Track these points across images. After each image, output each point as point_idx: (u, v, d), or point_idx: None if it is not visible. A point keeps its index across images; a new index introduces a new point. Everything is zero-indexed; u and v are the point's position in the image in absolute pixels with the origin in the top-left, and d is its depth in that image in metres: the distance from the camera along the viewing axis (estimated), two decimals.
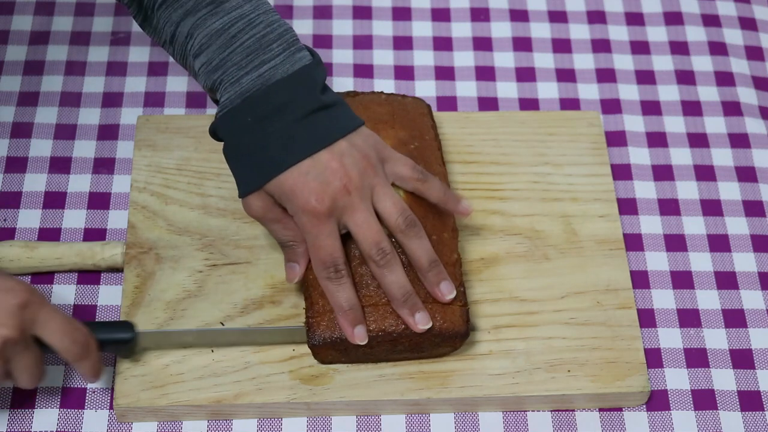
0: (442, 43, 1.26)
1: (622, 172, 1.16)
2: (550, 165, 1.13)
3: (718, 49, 1.27)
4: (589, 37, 1.27)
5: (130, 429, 0.99)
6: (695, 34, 1.28)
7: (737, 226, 1.13)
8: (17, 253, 1.05)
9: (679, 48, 1.27)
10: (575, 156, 1.14)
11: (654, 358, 1.05)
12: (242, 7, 0.96)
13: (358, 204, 0.94)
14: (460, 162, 1.13)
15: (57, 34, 1.24)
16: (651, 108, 1.22)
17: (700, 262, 1.11)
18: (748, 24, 1.29)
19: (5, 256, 1.05)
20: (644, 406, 1.02)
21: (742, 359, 1.05)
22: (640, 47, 1.27)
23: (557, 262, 1.07)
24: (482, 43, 1.26)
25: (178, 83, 1.21)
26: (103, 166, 1.14)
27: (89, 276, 1.07)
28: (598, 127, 1.16)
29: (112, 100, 1.19)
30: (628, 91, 1.23)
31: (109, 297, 1.06)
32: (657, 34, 1.28)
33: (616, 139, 1.19)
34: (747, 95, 1.23)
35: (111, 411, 1.00)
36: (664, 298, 1.08)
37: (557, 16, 1.29)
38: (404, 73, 1.23)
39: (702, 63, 1.26)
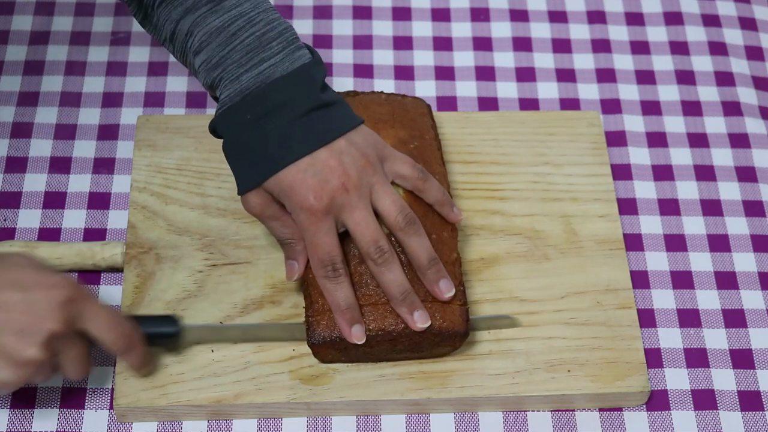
0: (442, 43, 1.26)
1: (622, 172, 1.16)
2: (550, 165, 1.13)
3: (718, 49, 1.27)
4: (589, 37, 1.27)
5: (130, 429, 0.99)
6: (695, 34, 1.28)
7: (737, 226, 1.13)
8: (17, 253, 1.05)
9: (679, 48, 1.27)
10: (575, 156, 1.14)
11: (654, 358, 1.05)
12: (242, 5, 0.96)
13: (357, 202, 0.94)
14: (460, 162, 1.13)
15: (57, 34, 1.24)
16: (651, 108, 1.22)
17: (700, 262, 1.11)
18: (748, 24, 1.29)
19: None
20: (644, 406, 1.02)
21: (742, 359, 1.05)
22: (640, 47, 1.27)
23: (557, 262, 1.07)
24: (482, 43, 1.26)
25: (178, 83, 1.21)
26: (103, 166, 1.14)
27: (89, 276, 1.07)
28: (598, 127, 1.16)
29: (112, 100, 1.19)
30: (628, 91, 1.23)
31: (109, 297, 1.06)
32: (657, 34, 1.28)
33: (616, 139, 1.19)
34: (747, 95, 1.23)
35: (111, 411, 1.00)
36: (664, 298, 1.08)
37: (557, 16, 1.29)
38: (404, 73, 1.23)
39: (702, 63, 1.26)
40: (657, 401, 1.02)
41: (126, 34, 1.24)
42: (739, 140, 1.20)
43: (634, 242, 1.12)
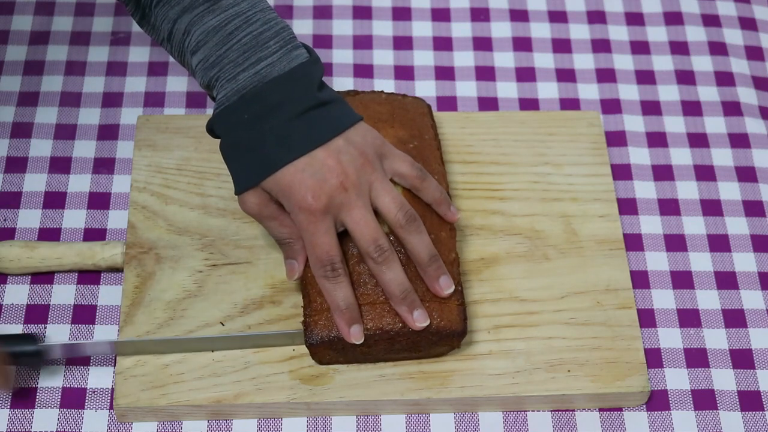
0: (442, 43, 1.26)
1: (622, 172, 1.16)
2: (550, 165, 1.13)
3: (718, 49, 1.27)
4: (589, 37, 1.27)
5: (130, 429, 0.99)
6: (695, 34, 1.28)
7: (737, 226, 1.13)
8: (17, 253, 1.05)
9: (679, 48, 1.27)
10: (575, 156, 1.14)
11: (654, 358, 1.05)
12: (239, 5, 0.96)
13: (355, 201, 0.94)
14: (460, 162, 1.13)
15: (57, 34, 1.24)
16: (651, 108, 1.22)
17: (700, 262, 1.11)
18: (748, 24, 1.29)
19: (5, 256, 1.05)
20: (644, 406, 1.02)
21: (742, 359, 1.05)
22: (640, 47, 1.27)
23: (557, 262, 1.07)
24: (482, 43, 1.26)
25: (178, 83, 1.21)
26: (103, 166, 1.14)
27: (89, 276, 1.07)
28: (598, 127, 1.16)
29: (112, 100, 1.19)
30: (628, 91, 1.23)
31: (109, 297, 1.06)
32: (657, 34, 1.28)
33: (616, 139, 1.19)
34: (747, 95, 1.23)
35: (111, 411, 1.00)
36: (664, 298, 1.08)
37: (557, 16, 1.29)
38: (404, 73, 1.23)
39: (702, 63, 1.26)
40: (657, 401, 1.02)
41: (126, 34, 1.24)
42: (739, 140, 1.20)
43: (634, 242, 1.12)
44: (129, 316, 1.02)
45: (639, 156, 1.18)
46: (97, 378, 1.01)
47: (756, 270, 1.11)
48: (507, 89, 1.23)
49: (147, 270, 1.05)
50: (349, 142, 0.95)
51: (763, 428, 1.02)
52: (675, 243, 1.12)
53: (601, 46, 1.26)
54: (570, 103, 1.22)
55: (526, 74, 1.24)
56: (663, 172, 1.17)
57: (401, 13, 1.28)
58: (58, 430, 0.99)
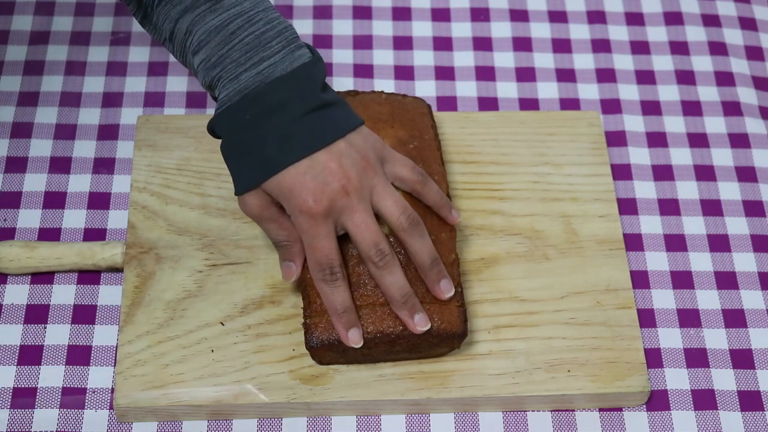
0: (442, 43, 1.26)
1: (622, 172, 1.16)
2: (550, 165, 1.13)
3: (718, 49, 1.27)
4: (589, 37, 1.27)
5: (130, 429, 0.99)
6: (695, 34, 1.28)
7: (737, 226, 1.13)
8: (17, 253, 1.05)
9: (679, 48, 1.27)
10: (575, 156, 1.14)
11: (654, 358, 1.05)
12: (241, 4, 0.96)
13: (357, 205, 0.94)
14: (460, 162, 1.13)
15: (57, 34, 1.24)
16: (651, 108, 1.22)
17: (700, 262, 1.11)
18: (748, 24, 1.29)
19: (5, 256, 1.05)
20: (644, 406, 1.02)
21: (742, 359, 1.05)
22: (640, 47, 1.27)
23: (557, 262, 1.07)
24: (482, 43, 1.26)
25: (178, 83, 1.21)
26: (103, 166, 1.14)
27: (89, 276, 1.07)
28: (598, 127, 1.16)
29: (112, 100, 1.19)
30: (628, 91, 1.23)
31: (109, 297, 1.06)
32: (657, 34, 1.28)
33: (616, 139, 1.19)
34: (747, 95, 1.23)
35: (111, 411, 1.00)
36: (664, 298, 1.08)
37: (557, 16, 1.29)
38: (404, 73, 1.23)
39: (702, 63, 1.26)
40: (657, 401, 1.02)
41: (126, 34, 1.24)
42: (739, 140, 1.20)
43: (634, 242, 1.12)
44: (129, 316, 1.02)
45: (639, 156, 1.18)
46: (97, 378, 1.01)
47: (756, 270, 1.11)
48: (507, 89, 1.23)
49: (147, 270, 1.05)
50: (351, 145, 0.95)
51: (763, 428, 1.02)
52: (675, 243, 1.12)
53: (601, 46, 1.26)
54: (570, 103, 1.22)
55: (526, 74, 1.24)
56: (663, 172, 1.17)
57: (401, 13, 1.28)
58: (58, 430, 0.99)
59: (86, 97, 1.19)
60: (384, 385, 1.00)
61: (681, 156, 1.18)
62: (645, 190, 1.15)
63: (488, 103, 1.21)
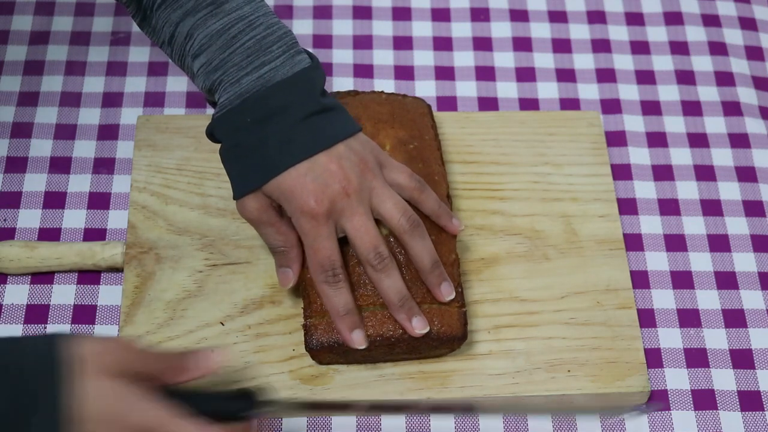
0: (442, 43, 1.26)
1: (622, 172, 1.16)
2: (550, 165, 1.13)
3: (718, 49, 1.27)
4: (589, 37, 1.27)
5: None
6: (695, 34, 1.28)
7: (737, 226, 1.13)
8: (17, 253, 1.05)
9: (679, 48, 1.27)
10: (575, 156, 1.14)
11: (654, 358, 1.05)
12: (242, 9, 0.96)
13: (357, 207, 0.94)
14: (460, 162, 1.13)
15: (57, 34, 1.24)
16: (651, 108, 1.22)
17: (700, 262, 1.11)
18: (748, 24, 1.29)
19: (5, 256, 1.05)
20: (644, 406, 1.02)
21: (742, 359, 1.05)
22: (640, 47, 1.27)
23: (557, 262, 1.07)
24: (482, 43, 1.26)
25: (178, 83, 1.21)
26: (103, 166, 1.14)
27: (89, 276, 1.07)
28: (598, 127, 1.16)
29: (112, 100, 1.19)
30: (628, 91, 1.23)
31: (109, 297, 1.06)
32: (657, 34, 1.28)
33: (616, 139, 1.19)
34: (747, 95, 1.23)
35: None
36: (664, 298, 1.08)
37: (557, 16, 1.29)
38: (404, 73, 1.23)
39: (702, 63, 1.26)
40: (657, 401, 1.02)
41: (126, 34, 1.24)
42: (739, 140, 1.20)
43: (634, 242, 1.12)
44: (129, 316, 1.02)
45: (639, 156, 1.18)
46: None
47: (756, 270, 1.11)
48: (507, 89, 1.23)
49: (147, 270, 1.05)
50: (350, 149, 0.95)
51: (763, 428, 1.02)
52: (675, 243, 1.12)
53: (601, 46, 1.26)
54: (570, 103, 1.22)
55: (526, 74, 1.24)
56: (663, 172, 1.17)
57: (401, 13, 1.28)
58: None
59: (86, 97, 1.19)
60: (384, 385, 1.00)
61: (681, 156, 1.18)
62: (645, 190, 1.15)
63: (488, 103, 1.21)
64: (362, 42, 1.26)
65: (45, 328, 1.04)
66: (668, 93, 1.23)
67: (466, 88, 1.22)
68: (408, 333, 0.96)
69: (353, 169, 0.94)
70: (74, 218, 1.11)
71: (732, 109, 1.22)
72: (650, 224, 1.13)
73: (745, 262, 1.11)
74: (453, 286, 0.98)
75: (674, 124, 1.21)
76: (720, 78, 1.24)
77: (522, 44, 1.26)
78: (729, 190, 1.16)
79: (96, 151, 1.15)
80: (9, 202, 1.11)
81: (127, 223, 1.08)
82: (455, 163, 1.12)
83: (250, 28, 0.95)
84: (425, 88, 1.22)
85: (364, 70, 1.23)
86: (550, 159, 1.14)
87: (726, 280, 1.10)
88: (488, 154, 1.14)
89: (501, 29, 1.27)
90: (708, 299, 1.09)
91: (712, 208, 1.15)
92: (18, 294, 1.06)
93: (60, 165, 1.14)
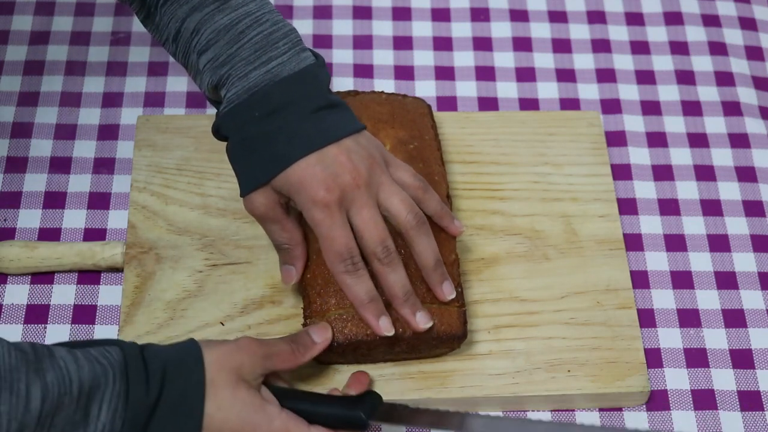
0: (442, 43, 1.26)
1: (622, 172, 1.16)
2: (550, 165, 1.13)
3: (718, 49, 1.27)
4: (589, 37, 1.27)
5: None
6: (695, 34, 1.28)
7: (737, 226, 1.13)
8: (17, 253, 1.05)
9: (679, 48, 1.27)
10: (575, 156, 1.14)
11: (654, 358, 1.05)
12: (248, 5, 0.96)
13: (366, 200, 0.94)
14: (460, 162, 1.13)
15: (57, 34, 1.24)
16: (651, 108, 1.22)
17: (700, 262, 1.11)
18: (748, 24, 1.29)
19: (5, 256, 1.05)
20: (644, 406, 1.02)
21: (742, 359, 1.05)
22: (640, 47, 1.27)
23: (557, 262, 1.07)
24: (482, 43, 1.26)
25: (178, 83, 1.21)
26: (103, 166, 1.14)
27: (89, 276, 1.07)
28: (598, 127, 1.16)
29: (112, 100, 1.19)
30: (628, 91, 1.23)
31: (109, 297, 1.06)
32: (657, 34, 1.28)
33: (616, 139, 1.19)
34: (747, 95, 1.23)
35: None
36: (664, 298, 1.08)
37: (557, 16, 1.29)
38: (404, 73, 1.23)
39: (702, 63, 1.26)
40: (657, 401, 1.02)
41: (126, 34, 1.24)
42: (739, 140, 1.20)
43: (634, 242, 1.12)
44: (129, 316, 1.02)
45: (639, 156, 1.18)
46: None
47: (756, 270, 1.11)
48: (507, 89, 1.23)
49: (147, 270, 1.05)
50: (358, 144, 0.95)
51: (763, 428, 1.02)
52: (675, 243, 1.12)
53: (601, 46, 1.26)
54: (570, 103, 1.22)
55: (526, 74, 1.24)
56: (663, 172, 1.17)
57: (401, 13, 1.28)
58: None
59: (86, 97, 1.19)
60: (384, 385, 1.00)
61: (681, 156, 1.18)
62: (645, 190, 1.15)
63: (488, 103, 1.21)
64: (362, 42, 1.26)
65: (45, 328, 1.04)
66: (668, 93, 1.23)
67: (466, 88, 1.22)
68: (410, 329, 0.96)
69: (362, 162, 0.94)
70: (74, 218, 1.11)
71: (732, 109, 1.22)
72: (650, 224, 1.13)
73: (745, 262, 1.11)
74: (454, 285, 0.98)
75: (674, 124, 1.21)
76: (720, 78, 1.24)
77: (522, 44, 1.26)
78: (729, 190, 1.16)
79: (96, 151, 1.15)
80: (9, 202, 1.11)
81: (127, 223, 1.08)
82: (455, 163, 1.12)
83: (257, 23, 0.96)
84: (425, 88, 1.22)
85: (364, 70, 1.23)
86: (550, 159, 1.14)
87: (726, 280, 1.10)
88: (488, 154, 1.14)
89: (501, 29, 1.27)
90: (708, 299, 1.09)
91: (712, 208, 1.15)
92: (18, 294, 1.06)
93: (60, 165, 1.14)
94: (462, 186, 1.11)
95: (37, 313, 1.05)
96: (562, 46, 1.26)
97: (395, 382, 1.00)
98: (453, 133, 1.15)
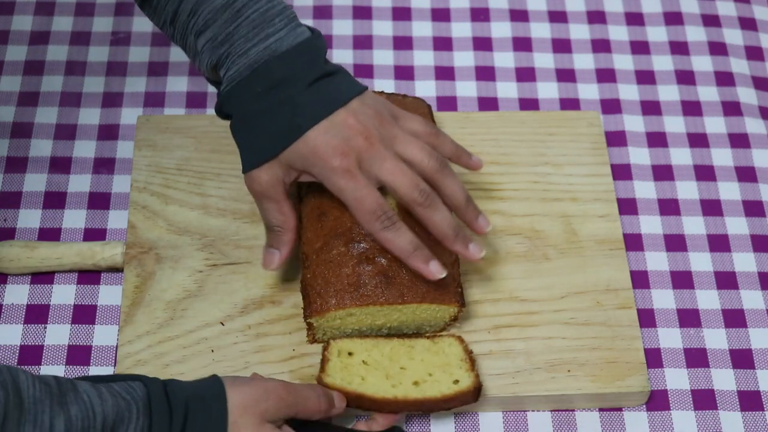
0: (442, 43, 1.26)
1: (622, 172, 1.16)
2: (550, 165, 1.13)
3: (718, 49, 1.27)
4: (589, 37, 1.27)
5: None
6: (695, 34, 1.28)
7: (737, 226, 1.13)
8: (17, 253, 1.05)
9: (679, 48, 1.27)
10: (575, 156, 1.14)
11: (654, 358, 1.05)
12: None
13: (384, 153, 0.95)
14: None
15: (57, 34, 1.24)
16: (651, 108, 1.22)
17: (700, 262, 1.11)
18: (748, 24, 1.29)
19: (5, 256, 1.05)
20: (644, 406, 1.02)
21: (742, 359, 1.05)
22: (640, 47, 1.27)
23: (557, 262, 1.07)
24: (482, 43, 1.26)
25: (178, 83, 1.21)
26: (103, 166, 1.14)
27: (89, 276, 1.07)
28: (598, 127, 1.16)
29: (112, 100, 1.19)
30: (628, 91, 1.23)
31: (109, 297, 1.06)
32: (657, 34, 1.28)
33: (616, 139, 1.19)
34: (747, 95, 1.23)
35: None
36: (664, 298, 1.08)
37: (557, 16, 1.29)
38: (404, 73, 1.23)
39: (702, 63, 1.26)
40: (657, 401, 1.02)
41: (126, 34, 1.24)
42: (739, 140, 1.20)
43: (634, 242, 1.12)
44: (129, 316, 1.02)
45: (639, 156, 1.18)
46: None
47: (756, 270, 1.11)
48: (507, 89, 1.23)
49: (147, 270, 1.05)
50: (364, 104, 0.96)
51: (763, 428, 1.02)
52: (675, 243, 1.12)
53: (601, 46, 1.26)
54: (570, 103, 1.22)
55: (526, 74, 1.24)
56: (663, 172, 1.17)
57: (401, 13, 1.28)
58: None
59: (86, 97, 1.19)
60: None
61: (681, 156, 1.18)
62: (645, 190, 1.15)
63: (488, 103, 1.21)
64: (362, 42, 1.26)
65: (45, 328, 1.04)
66: (668, 93, 1.23)
67: (466, 88, 1.22)
68: (468, 259, 0.97)
69: (371, 120, 0.95)
70: (74, 218, 1.11)
71: (732, 109, 1.22)
72: (650, 224, 1.13)
73: (745, 262, 1.11)
74: (487, 219, 0.99)
75: (674, 124, 1.21)
76: (720, 78, 1.24)
77: (522, 44, 1.26)
78: (729, 190, 1.16)
79: (96, 151, 1.15)
80: (9, 202, 1.11)
81: (127, 223, 1.08)
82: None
83: (253, 1, 0.96)
84: (425, 88, 1.22)
85: (364, 70, 1.23)
86: (550, 159, 1.14)
87: (726, 280, 1.10)
88: (488, 154, 1.14)
89: (501, 29, 1.27)
90: (708, 299, 1.09)
91: (712, 208, 1.15)
92: (18, 294, 1.06)
93: (60, 165, 1.14)
94: None
95: (37, 313, 1.05)
96: (562, 46, 1.26)
97: None
98: (453, 133, 1.14)
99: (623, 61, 1.25)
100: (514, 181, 1.12)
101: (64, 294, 1.06)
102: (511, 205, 1.10)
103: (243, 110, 0.96)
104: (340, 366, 0.96)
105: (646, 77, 1.24)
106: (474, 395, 0.96)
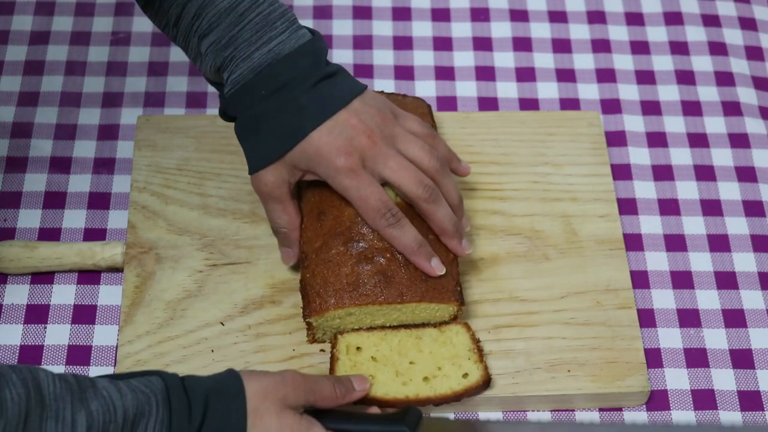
0: (442, 43, 1.26)
1: (622, 172, 1.16)
2: (550, 165, 1.13)
3: (718, 49, 1.27)
4: (589, 37, 1.27)
5: None
6: (695, 34, 1.28)
7: (737, 226, 1.13)
8: (17, 253, 1.05)
9: (679, 48, 1.27)
10: (575, 156, 1.14)
11: (654, 358, 1.05)
12: None
13: (387, 151, 0.97)
14: None
15: (57, 34, 1.24)
16: (651, 108, 1.22)
17: (700, 262, 1.11)
18: (748, 24, 1.29)
19: (5, 256, 1.05)
20: (644, 406, 1.02)
21: (742, 359, 1.05)
22: (640, 47, 1.27)
23: (557, 262, 1.07)
24: (482, 43, 1.26)
25: (178, 83, 1.21)
26: (103, 166, 1.14)
27: (89, 276, 1.07)
28: (598, 127, 1.16)
29: (112, 100, 1.19)
30: (628, 91, 1.23)
31: (109, 297, 1.06)
32: (657, 34, 1.28)
33: (616, 139, 1.19)
34: (747, 95, 1.23)
35: None
36: (664, 298, 1.08)
37: (557, 16, 1.29)
38: (404, 73, 1.23)
39: (702, 63, 1.26)
40: (657, 401, 1.02)
41: (126, 34, 1.24)
42: (739, 140, 1.20)
43: (634, 242, 1.12)
44: (129, 316, 1.02)
45: (639, 156, 1.18)
46: None
47: (756, 270, 1.11)
48: (507, 89, 1.23)
49: (147, 270, 1.05)
50: (365, 104, 0.98)
51: (764, 428, 1.01)
52: (675, 243, 1.12)
53: (601, 46, 1.26)
54: (570, 103, 1.22)
55: (526, 74, 1.24)
56: (663, 172, 1.17)
57: (401, 13, 1.28)
58: None
59: (86, 97, 1.19)
60: None
61: (681, 156, 1.18)
62: (645, 190, 1.15)
63: (488, 103, 1.21)
64: (362, 42, 1.26)
65: (45, 328, 1.04)
66: (668, 93, 1.23)
67: (466, 88, 1.22)
68: (459, 254, 0.99)
69: (373, 119, 0.97)
70: (74, 218, 1.11)
71: (732, 109, 1.22)
72: (650, 224, 1.13)
73: (745, 262, 1.11)
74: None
75: (674, 124, 1.21)
76: (720, 78, 1.24)
77: (522, 44, 1.26)
78: (729, 190, 1.16)
79: (96, 151, 1.15)
80: (9, 202, 1.11)
81: (127, 223, 1.08)
82: None
83: (256, 5, 0.97)
84: (425, 88, 1.22)
85: (364, 70, 1.23)
86: (550, 159, 1.14)
87: (726, 280, 1.10)
88: (488, 154, 1.14)
89: (501, 29, 1.27)
90: (708, 299, 1.09)
91: (712, 208, 1.15)
92: (18, 294, 1.06)
93: (60, 165, 1.14)
94: (462, 186, 1.11)
95: (37, 313, 1.05)
96: (562, 46, 1.26)
97: None
98: (453, 133, 1.15)
99: (623, 61, 1.25)
100: (514, 181, 1.12)
101: (64, 294, 1.06)
102: (511, 205, 1.10)
103: (248, 113, 0.97)
104: (349, 365, 0.97)
105: (646, 77, 1.24)
106: (484, 387, 0.98)
